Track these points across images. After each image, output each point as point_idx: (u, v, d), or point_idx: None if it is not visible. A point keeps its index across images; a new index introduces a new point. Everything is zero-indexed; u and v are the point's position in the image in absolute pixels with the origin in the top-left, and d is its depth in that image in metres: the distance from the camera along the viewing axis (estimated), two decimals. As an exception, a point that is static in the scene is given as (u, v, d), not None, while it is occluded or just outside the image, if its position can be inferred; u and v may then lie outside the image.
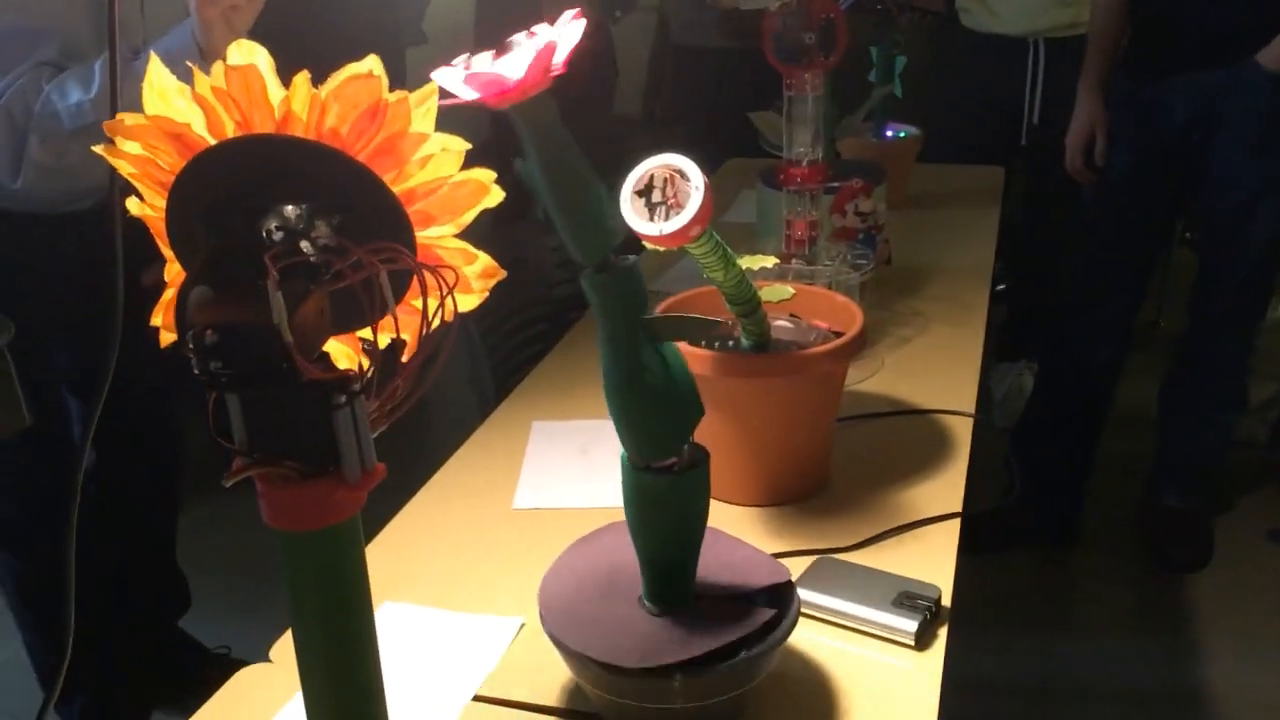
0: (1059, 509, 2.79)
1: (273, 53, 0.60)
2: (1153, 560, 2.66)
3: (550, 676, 1.09)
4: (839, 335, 1.39)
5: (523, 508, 1.39)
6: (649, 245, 1.12)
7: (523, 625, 1.17)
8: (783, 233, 1.70)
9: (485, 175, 0.63)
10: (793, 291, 1.36)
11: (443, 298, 0.59)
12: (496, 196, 0.64)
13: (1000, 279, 3.23)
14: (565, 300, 2.14)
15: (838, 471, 1.43)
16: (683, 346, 1.32)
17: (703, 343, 1.37)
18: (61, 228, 1.84)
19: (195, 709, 1.09)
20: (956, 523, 1.32)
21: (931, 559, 1.25)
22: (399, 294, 0.63)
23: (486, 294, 0.65)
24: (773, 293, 1.35)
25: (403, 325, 0.63)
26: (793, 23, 1.60)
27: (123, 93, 1.74)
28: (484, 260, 0.65)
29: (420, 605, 1.21)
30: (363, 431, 0.57)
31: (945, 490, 1.38)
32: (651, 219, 1.09)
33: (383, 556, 1.30)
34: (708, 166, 2.10)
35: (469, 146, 0.63)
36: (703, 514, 1.01)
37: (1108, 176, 2.54)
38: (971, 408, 1.58)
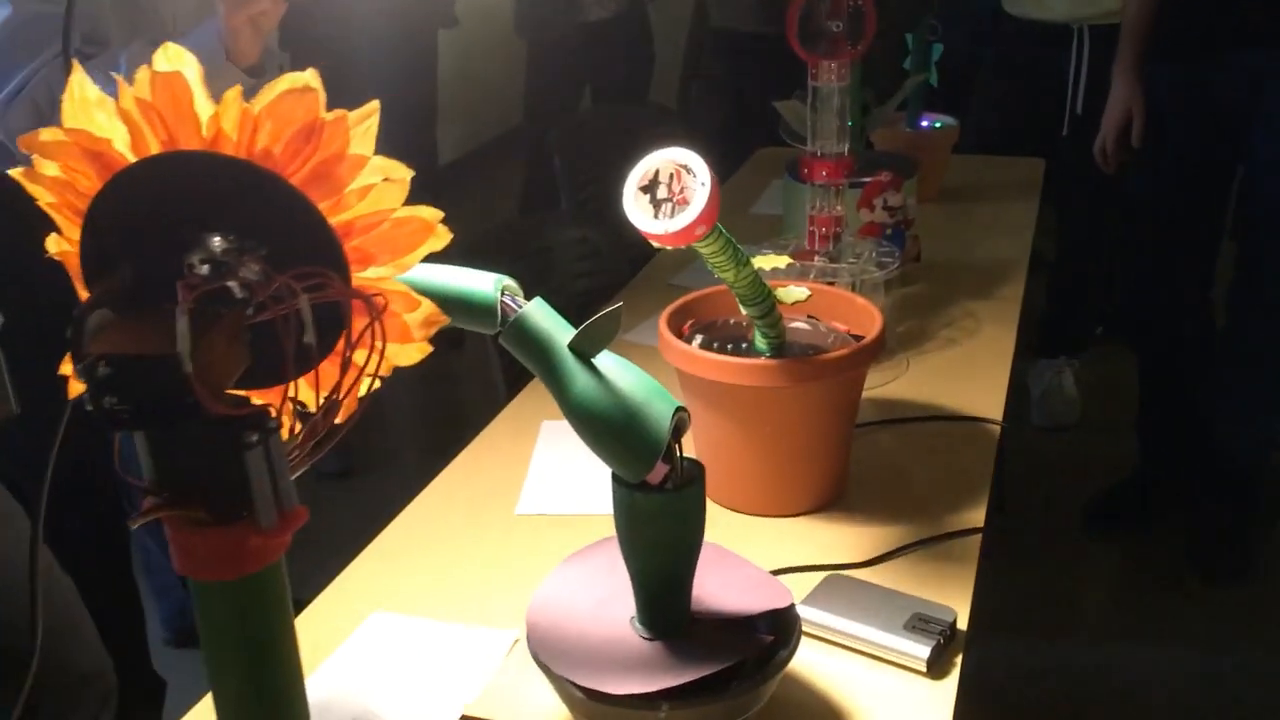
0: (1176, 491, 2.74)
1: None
2: (1193, 569, 2.58)
3: (545, 696, 1.04)
4: (859, 339, 1.33)
5: (526, 513, 1.34)
6: (655, 244, 1.07)
7: (517, 640, 1.12)
8: (806, 228, 1.63)
9: (431, 214, 0.57)
10: (808, 293, 1.30)
11: (374, 337, 0.53)
12: (442, 239, 0.58)
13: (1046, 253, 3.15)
14: (587, 293, 2.09)
15: (855, 481, 1.37)
16: (693, 351, 1.27)
17: (715, 345, 1.32)
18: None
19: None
20: (977, 539, 1.26)
21: (949, 577, 1.19)
22: (331, 342, 0.56)
23: (430, 347, 0.59)
24: (787, 294, 1.29)
25: (333, 376, 0.56)
26: (819, 9, 1.53)
27: None
28: (427, 308, 0.58)
29: (411, 615, 1.16)
30: (280, 472, 0.52)
31: (967, 503, 1.32)
32: (656, 216, 1.04)
33: (375, 563, 1.26)
34: (737, 156, 2.01)
35: (410, 175, 0.57)
36: (697, 534, 0.95)
37: (1157, 163, 2.46)
38: (1000, 413, 1.52)
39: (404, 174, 0.56)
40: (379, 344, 0.55)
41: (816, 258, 1.61)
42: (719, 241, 1.10)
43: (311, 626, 1.17)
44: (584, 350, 0.92)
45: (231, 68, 1.71)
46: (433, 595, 1.20)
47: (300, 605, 1.20)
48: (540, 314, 0.92)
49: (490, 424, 1.55)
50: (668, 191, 1.03)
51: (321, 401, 0.54)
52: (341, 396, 0.56)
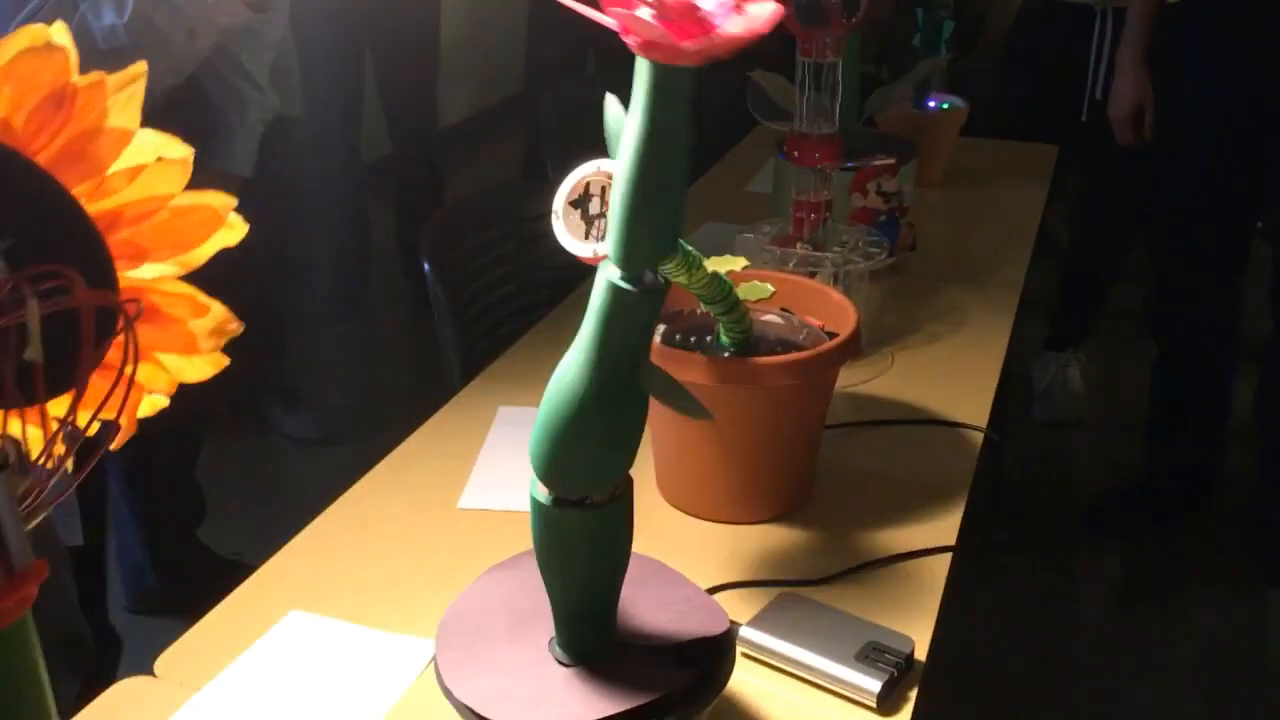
0: (1184, 495, 2.65)
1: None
2: (1255, 570, 2.48)
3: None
4: (833, 336, 1.24)
5: (469, 508, 1.26)
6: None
7: (439, 650, 1.04)
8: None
9: (220, 201, 0.48)
10: (772, 290, 1.21)
11: (128, 348, 0.44)
12: (236, 230, 0.49)
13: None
14: (572, 265, 1.99)
15: (823, 486, 1.28)
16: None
17: (678, 338, 1.23)
18: None
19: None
20: (946, 559, 1.17)
21: (912, 601, 1.10)
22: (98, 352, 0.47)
23: (222, 360, 0.49)
24: (751, 290, 1.20)
25: (97, 395, 0.47)
26: (813, -22, 1.43)
27: (153, 19, 1.67)
28: (218, 314, 0.49)
29: (330, 618, 1.08)
30: (9, 522, 0.43)
31: (940, 517, 1.23)
32: (588, 235, 0.94)
33: (300, 557, 1.18)
34: (742, 127, 1.86)
35: (190, 153, 0.47)
36: (622, 556, 0.87)
37: (1188, 150, 2.35)
38: (985, 419, 1.42)
39: (182, 152, 0.47)
40: (151, 356, 0.46)
41: (799, 244, 1.51)
42: None
43: (224, 622, 1.09)
44: (648, 380, 0.84)
45: (234, 1, 1.68)
46: (357, 595, 1.12)
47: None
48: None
49: (442, 408, 1.46)
50: (601, 206, 0.94)
51: (75, 424, 0.45)
52: (114, 416, 0.47)
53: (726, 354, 1.20)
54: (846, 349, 1.18)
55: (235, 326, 0.49)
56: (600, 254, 0.93)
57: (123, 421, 0.50)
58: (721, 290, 1.14)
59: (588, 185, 0.95)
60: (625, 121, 0.75)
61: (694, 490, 1.24)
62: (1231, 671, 2.23)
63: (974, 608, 2.11)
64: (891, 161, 1.66)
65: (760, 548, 1.19)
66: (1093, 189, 2.98)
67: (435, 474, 1.32)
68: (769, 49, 2.44)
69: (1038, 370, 3.09)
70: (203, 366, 0.48)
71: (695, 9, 0.68)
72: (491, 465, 1.33)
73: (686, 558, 1.15)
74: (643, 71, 0.72)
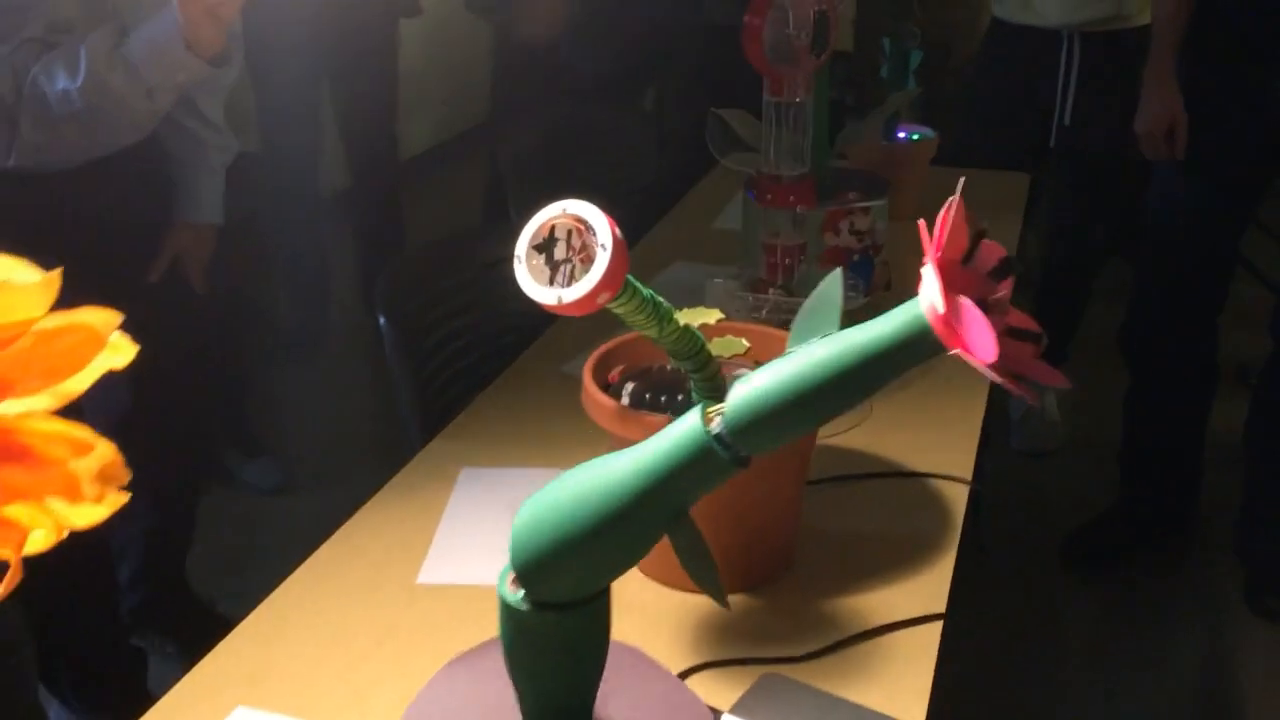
0: (1160, 525, 2.60)
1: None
2: (1249, 609, 2.43)
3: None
4: (810, 391, 1.18)
5: (429, 583, 1.18)
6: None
7: (398, 748, 0.96)
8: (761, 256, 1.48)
9: (101, 320, 0.41)
10: (747, 345, 1.14)
11: None
12: (123, 352, 0.42)
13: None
14: (530, 313, 1.92)
15: (804, 548, 1.22)
16: (614, 407, 1.11)
17: (647, 397, 1.16)
18: (58, 189, 1.78)
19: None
20: (937, 627, 1.11)
21: (903, 677, 1.04)
22: None
23: (119, 501, 0.42)
24: (724, 345, 1.14)
25: None
26: (779, 16, 1.37)
27: (108, 81, 1.63)
28: (104, 454, 0.41)
29: (279, 715, 1.00)
30: None
31: (929, 581, 1.17)
32: (553, 281, 0.88)
33: (247, 644, 1.10)
34: (709, 161, 1.79)
35: (48, 276, 0.40)
36: (601, 656, 0.80)
37: (1186, 175, 2.30)
38: (969, 468, 1.37)
39: (31, 276, 0.40)
40: (29, 498, 0.39)
41: (771, 290, 1.45)
42: (633, 302, 0.94)
43: (166, 722, 1.01)
44: (678, 535, 0.80)
45: (192, 58, 1.63)
46: (308, 688, 1.04)
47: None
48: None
49: (401, 471, 1.39)
50: (567, 250, 0.88)
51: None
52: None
53: (699, 414, 1.13)
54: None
55: (124, 475, 0.42)
56: (566, 301, 0.86)
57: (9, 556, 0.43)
58: (693, 345, 1.07)
59: (553, 229, 0.89)
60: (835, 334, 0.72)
61: (668, 560, 1.16)
62: (1216, 702, 2.18)
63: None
64: (872, 204, 1.60)
65: (739, 620, 1.12)
66: (1063, 216, 2.94)
67: (393, 545, 1.24)
68: (726, 83, 2.37)
69: (1014, 400, 3.05)
70: (91, 512, 0.41)
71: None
72: (453, 533, 1.26)
73: (662, 633, 1.08)
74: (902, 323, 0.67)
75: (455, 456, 1.41)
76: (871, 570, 1.19)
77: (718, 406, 0.75)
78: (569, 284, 0.86)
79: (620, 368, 1.22)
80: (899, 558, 1.21)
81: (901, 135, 2.18)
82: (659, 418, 1.09)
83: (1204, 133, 2.25)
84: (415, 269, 1.77)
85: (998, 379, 0.65)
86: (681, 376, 1.17)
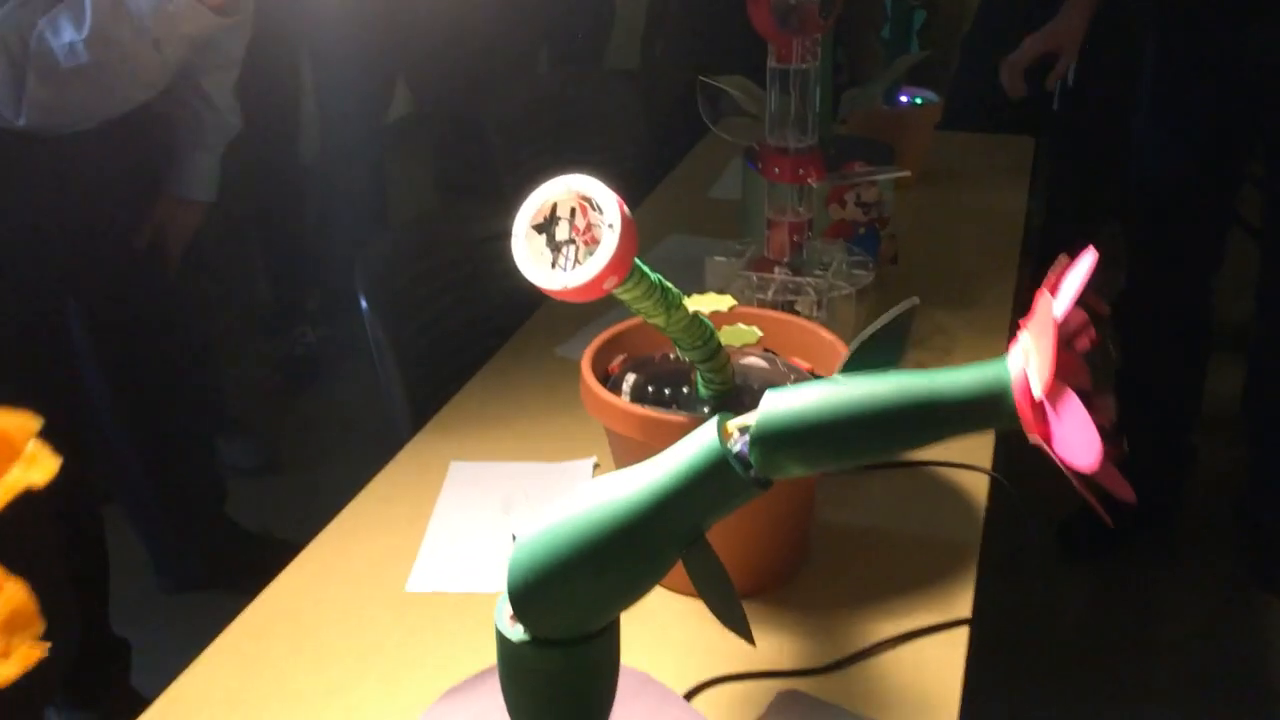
0: (1156, 505, 2.52)
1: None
2: (1256, 584, 2.37)
3: None
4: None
5: (419, 591, 1.10)
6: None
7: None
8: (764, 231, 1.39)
9: (18, 426, 0.33)
10: (759, 334, 1.06)
11: None
12: (43, 467, 0.34)
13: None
14: (527, 292, 1.84)
15: (817, 547, 1.14)
16: (614, 402, 1.03)
17: (650, 390, 1.08)
18: (62, 150, 1.78)
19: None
20: (964, 633, 1.04)
21: (930, 688, 0.97)
22: None
23: (33, 655, 0.35)
24: (735, 335, 1.05)
25: None
26: (785, -25, 1.28)
27: (114, 32, 1.60)
28: (13, 598, 0.34)
29: (259, 744, 0.93)
30: None
31: (951, 581, 1.10)
32: (555, 263, 0.80)
33: (226, 660, 1.02)
34: (700, 126, 1.70)
35: None
36: (609, 690, 0.73)
37: (1174, 138, 2.22)
38: (989, 458, 1.29)
39: None
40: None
41: (777, 269, 1.37)
42: (640, 287, 0.86)
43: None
44: (691, 565, 0.72)
45: (199, 8, 1.64)
46: (291, 713, 0.96)
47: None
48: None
49: (387, 465, 1.31)
50: (570, 230, 0.80)
51: None
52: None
53: (705, 408, 1.05)
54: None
55: (38, 625, 0.34)
56: (570, 286, 0.78)
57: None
58: (702, 335, 0.99)
59: (555, 207, 0.81)
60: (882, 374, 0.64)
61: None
62: (1226, 683, 2.13)
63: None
64: (889, 175, 1.51)
65: (753, 627, 1.04)
66: (1064, 180, 2.86)
67: (380, 549, 1.16)
68: (718, 41, 2.26)
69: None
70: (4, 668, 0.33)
71: None
72: (443, 534, 1.18)
73: (669, 644, 1.01)
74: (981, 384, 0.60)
75: (444, 449, 1.33)
76: (891, 569, 1.11)
77: (739, 420, 0.67)
78: (572, 267, 0.79)
79: (621, 357, 1.14)
80: (919, 555, 1.13)
81: (904, 99, 2.09)
82: (662, 414, 1.01)
83: (1182, 93, 2.18)
84: (399, 248, 1.67)
85: (1075, 482, 0.57)
86: (686, 367, 1.09)
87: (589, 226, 0.78)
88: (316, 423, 2.93)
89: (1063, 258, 0.61)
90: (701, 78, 1.56)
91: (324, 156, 3.27)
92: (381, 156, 3.39)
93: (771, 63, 1.31)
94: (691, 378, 1.08)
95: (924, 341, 1.53)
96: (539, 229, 0.79)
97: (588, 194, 0.78)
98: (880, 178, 1.51)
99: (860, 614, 1.06)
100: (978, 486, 1.24)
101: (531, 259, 0.79)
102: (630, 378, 1.10)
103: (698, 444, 0.66)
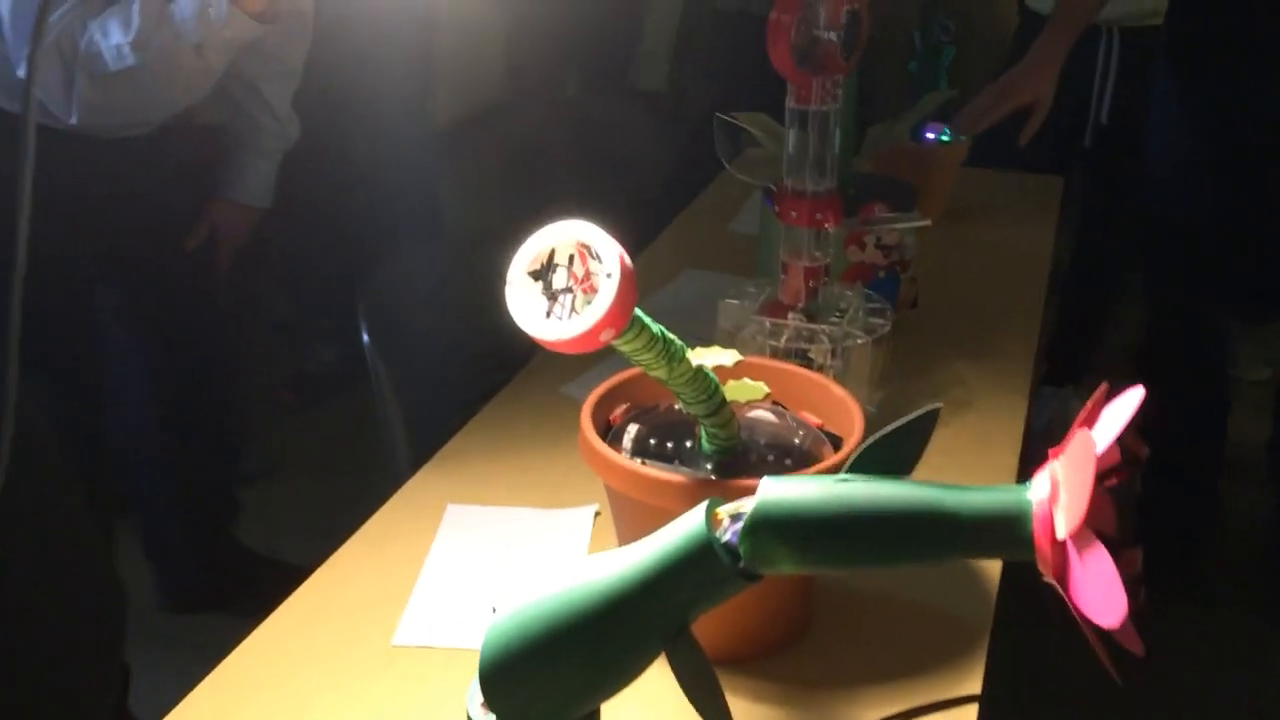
0: (1181, 553, 2.47)
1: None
2: None
3: None
4: (833, 438, 1.06)
5: (405, 644, 1.06)
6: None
7: None
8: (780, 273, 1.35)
9: None
10: (766, 390, 1.02)
11: None
12: None
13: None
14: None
15: (820, 609, 1.10)
16: (612, 457, 0.99)
17: (653, 443, 1.04)
18: (113, 153, 1.86)
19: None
20: (972, 710, 0.99)
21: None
22: None
23: None
24: (741, 390, 1.02)
25: None
26: (809, 15, 1.24)
27: (157, 36, 1.65)
28: None
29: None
30: None
31: (960, 653, 1.05)
32: (550, 312, 0.76)
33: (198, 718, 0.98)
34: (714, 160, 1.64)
35: None
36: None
37: (1201, 181, 2.17)
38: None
39: None
40: None
41: (791, 314, 1.33)
42: (640, 339, 0.82)
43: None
44: (676, 660, 0.68)
45: (238, 14, 1.69)
46: (264, 772, 0.92)
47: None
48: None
49: (383, 506, 1.27)
50: (568, 278, 0.76)
51: None
52: None
53: (709, 465, 1.01)
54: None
55: None
56: (563, 337, 0.75)
57: None
58: (706, 389, 0.95)
59: (553, 253, 0.77)
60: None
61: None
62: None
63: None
64: (910, 224, 1.46)
65: (749, 699, 1.00)
66: (1093, 218, 2.81)
67: (369, 595, 1.12)
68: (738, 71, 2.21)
69: (1037, 408, 2.92)
70: None
71: None
72: (435, 582, 1.14)
73: (660, 713, 0.97)
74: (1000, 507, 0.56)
75: (442, 489, 1.29)
76: (897, 640, 1.07)
77: (730, 507, 0.63)
78: (569, 316, 0.75)
79: (625, 406, 1.10)
80: (927, 625, 1.09)
81: (930, 136, 2.04)
82: (657, 473, 0.96)
83: (1205, 139, 2.13)
84: (403, 273, 1.64)
85: (1087, 632, 0.53)
86: (691, 419, 1.04)
87: (588, 275, 0.75)
88: (318, 441, 2.90)
89: (1103, 388, 0.57)
90: (719, 115, 1.52)
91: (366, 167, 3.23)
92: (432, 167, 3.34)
93: (790, 102, 1.27)
94: (696, 431, 1.03)
95: (941, 393, 1.48)
96: (535, 275, 0.75)
97: (587, 241, 0.74)
98: (900, 226, 1.47)
99: (863, 688, 1.01)
100: (992, 549, 1.19)
101: (526, 306, 0.75)
102: (632, 429, 1.06)
103: (683, 529, 0.62)
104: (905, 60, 2.09)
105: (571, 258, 0.76)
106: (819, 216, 1.27)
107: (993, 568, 1.17)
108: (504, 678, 0.63)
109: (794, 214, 1.28)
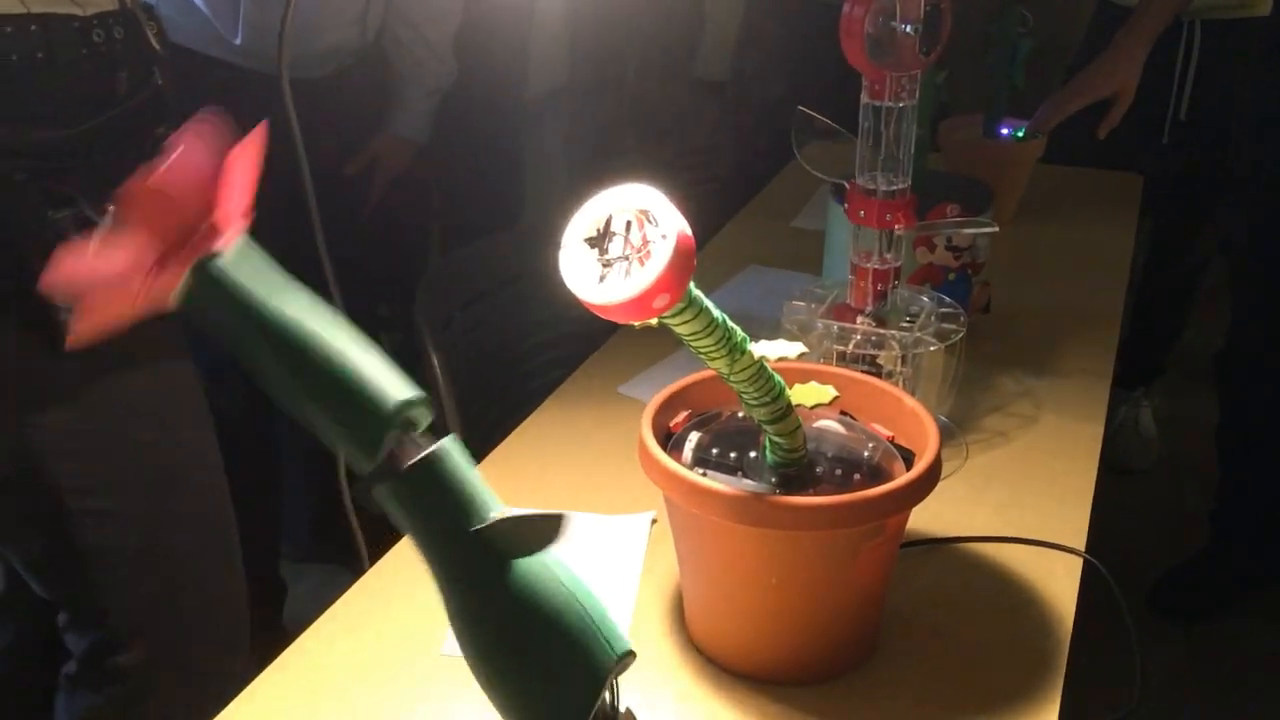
0: (1258, 568, 2.39)
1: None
2: None
3: None
4: (904, 451, 1.01)
5: (454, 654, 1.03)
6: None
7: None
8: (848, 277, 1.30)
9: None
10: (835, 394, 0.97)
11: None
12: None
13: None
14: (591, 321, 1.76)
15: (890, 627, 1.05)
16: (670, 467, 0.95)
17: (715, 453, 1.00)
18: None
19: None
20: (1046, 743, 0.94)
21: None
22: None
23: None
24: (808, 393, 0.97)
25: None
26: (885, 7, 1.19)
27: None
28: None
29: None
30: None
31: (1037, 678, 1.00)
32: (603, 278, 0.72)
33: (244, 728, 0.96)
34: (789, 148, 1.61)
35: None
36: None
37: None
38: (1083, 537, 1.19)
39: None
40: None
41: (859, 318, 1.28)
42: (699, 320, 0.78)
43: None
44: (493, 546, 0.75)
45: None
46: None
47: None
48: (453, 470, 0.74)
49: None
50: (625, 246, 0.72)
51: None
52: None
53: (772, 477, 0.97)
54: (925, 484, 0.95)
55: None
56: (615, 300, 0.71)
57: None
58: (770, 389, 0.90)
59: (609, 220, 0.73)
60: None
61: (724, 639, 1.01)
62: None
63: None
64: (984, 229, 1.40)
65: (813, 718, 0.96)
66: (1172, 217, 2.72)
67: (418, 605, 1.09)
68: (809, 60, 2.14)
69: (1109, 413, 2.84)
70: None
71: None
72: (487, 590, 1.11)
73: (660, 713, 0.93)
74: None
75: (495, 491, 1.25)
76: (966, 664, 1.02)
77: None
78: (619, 282, 0.71)
79: (686, 413, 1.06)
80: (1002, 644, 1.04)
81: (1005, 132, 1.98)
82: (712, 486, 0.92)
83: None
84: (459, 266, 1.61)
85: None
86: (756, 428, 1.00)
87: (645, 242, 0.71)
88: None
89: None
90: (800, 108, 1.46)
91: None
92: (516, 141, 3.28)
93: (864, 97, 1.22)
94: (760, 441, 0.99)
95: (1005, 406, 1.42)
96: (591, 242, 0.72)
97: (646, 207, 0.70)
98: (969, 231, 1.41)
99: (935, 708, 0.96)
100: (1067, 571, 1.14)
101: (579, 271, 0.71)
102: (694, 437, 1.02)
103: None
104: (980, 54, 2.02)
105: (628, 225, 0.72)
106: (889, 218, 1.22)
107: (1067, 584, 1.11)
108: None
109: (862, 213, 1.23)
